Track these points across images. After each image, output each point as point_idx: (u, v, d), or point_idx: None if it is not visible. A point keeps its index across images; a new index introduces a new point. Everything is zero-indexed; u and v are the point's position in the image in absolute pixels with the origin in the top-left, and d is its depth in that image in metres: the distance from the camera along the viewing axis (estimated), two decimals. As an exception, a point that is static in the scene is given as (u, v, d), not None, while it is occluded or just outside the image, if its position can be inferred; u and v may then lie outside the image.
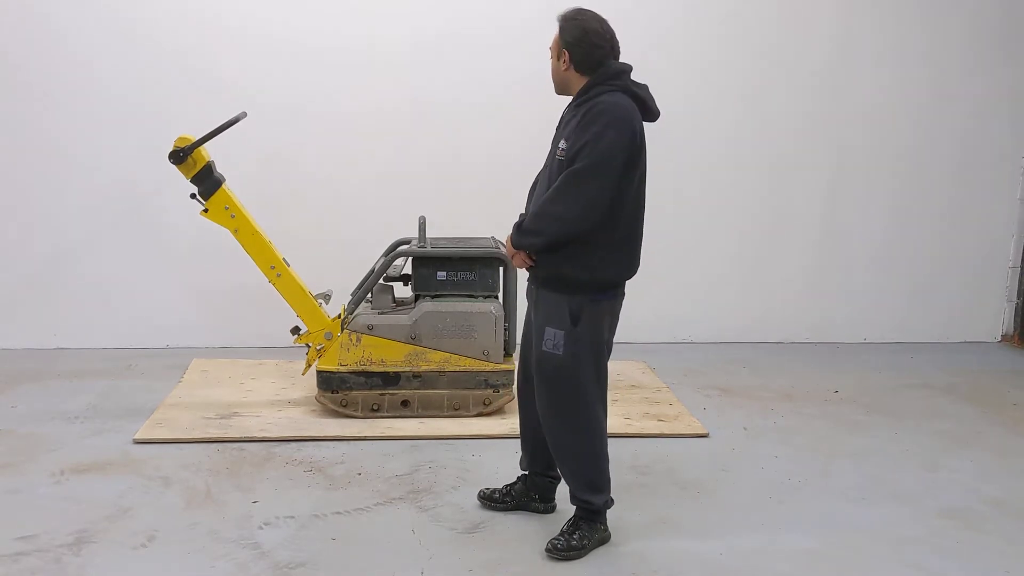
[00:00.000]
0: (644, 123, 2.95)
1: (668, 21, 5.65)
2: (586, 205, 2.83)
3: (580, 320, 2.95)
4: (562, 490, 3.24)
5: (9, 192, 5.41)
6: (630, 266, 3.02)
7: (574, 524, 3.09)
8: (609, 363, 3.13)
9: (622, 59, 3.01)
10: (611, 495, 3.14)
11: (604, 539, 3.12)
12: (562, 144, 2.90)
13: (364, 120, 5.53)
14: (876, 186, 6.02)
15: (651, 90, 3.01)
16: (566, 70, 2.95)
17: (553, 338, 2.96)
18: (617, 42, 2.97)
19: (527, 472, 3.38)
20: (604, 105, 2.85)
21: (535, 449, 3.30)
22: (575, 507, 3.13)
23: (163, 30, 5.33)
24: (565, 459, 3.11)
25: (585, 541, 3.05)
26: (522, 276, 4.07)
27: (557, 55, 2.96)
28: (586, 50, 2.90)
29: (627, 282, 3.06)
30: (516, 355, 4.32)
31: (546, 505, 3.37)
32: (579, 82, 2.95)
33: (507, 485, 3.40)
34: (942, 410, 4.72)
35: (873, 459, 3.98)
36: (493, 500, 3.37)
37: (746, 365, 5.51)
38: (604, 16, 2.98)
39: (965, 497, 3.59)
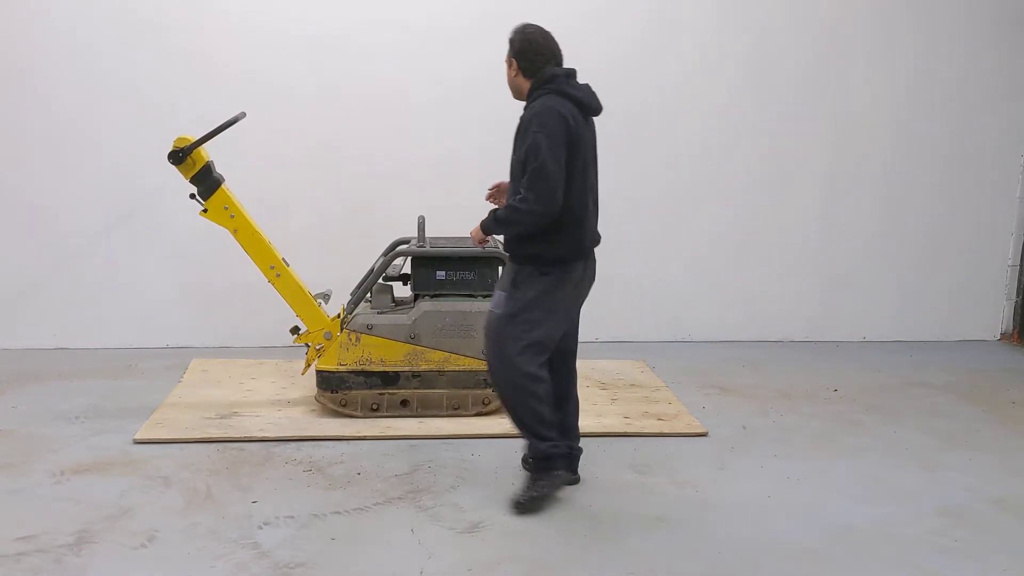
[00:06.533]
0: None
1: (658, 17, 5.58)
2: (541, 199, 3.21)
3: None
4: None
5: (9, 192, 5.42)
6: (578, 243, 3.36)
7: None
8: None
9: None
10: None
11: None
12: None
13: (363, 120, 5.53)
14: (875, 184, 6.02)
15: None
16: (515, 76, 3.36)
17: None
18: (560, 51, 3.34)
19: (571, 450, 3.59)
20: (529, 113, 3.25)
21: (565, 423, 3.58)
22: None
23: (162, 27, 5.32)
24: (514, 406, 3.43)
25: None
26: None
27: (509, 65, 3.38)
28: (530, 59, 3.31)
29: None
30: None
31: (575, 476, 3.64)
32: (528, 88, 3.36)
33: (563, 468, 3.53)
34: (941, 409, 4.73)
35: (872, 458, 3.98)
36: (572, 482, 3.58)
37: (745, 364, 5.51)
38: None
39: (965, 496, 3.60)
